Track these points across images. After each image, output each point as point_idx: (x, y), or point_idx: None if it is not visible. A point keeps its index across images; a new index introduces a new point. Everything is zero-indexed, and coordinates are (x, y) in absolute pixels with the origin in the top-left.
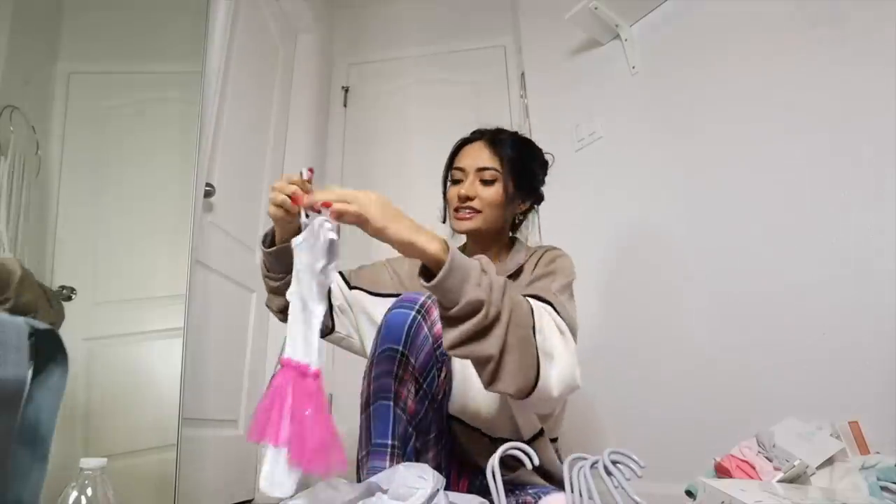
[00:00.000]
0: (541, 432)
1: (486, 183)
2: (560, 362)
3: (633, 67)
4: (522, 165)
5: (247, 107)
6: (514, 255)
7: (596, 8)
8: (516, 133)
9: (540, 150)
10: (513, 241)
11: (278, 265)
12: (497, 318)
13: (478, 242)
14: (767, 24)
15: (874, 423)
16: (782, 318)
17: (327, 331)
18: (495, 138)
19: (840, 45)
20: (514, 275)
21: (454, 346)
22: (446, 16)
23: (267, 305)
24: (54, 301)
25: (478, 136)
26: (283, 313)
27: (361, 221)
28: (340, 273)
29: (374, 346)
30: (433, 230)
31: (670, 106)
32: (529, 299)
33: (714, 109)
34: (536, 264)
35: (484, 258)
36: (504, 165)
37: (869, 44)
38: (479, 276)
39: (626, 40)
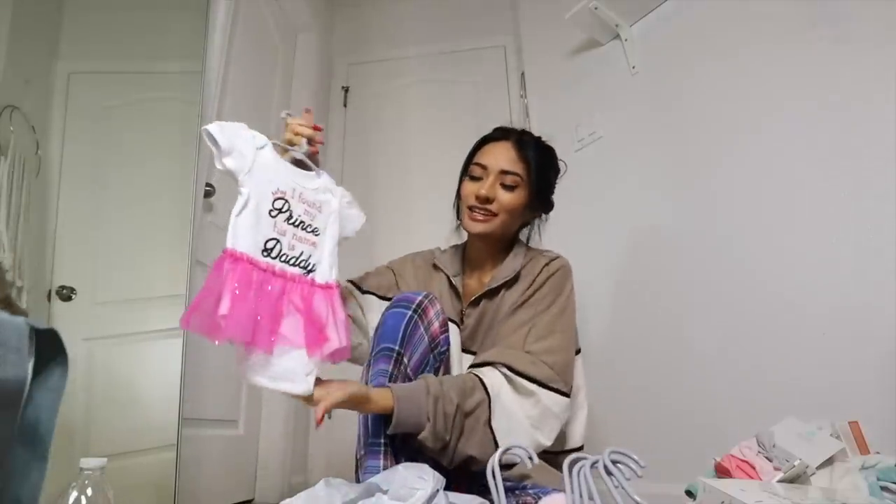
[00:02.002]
0: None
1: (506, 187)
2: (522, 434)
3: (633, 67)
4: (543, 173)
5: (247, 107)
6: (512, 260)
7: (596, 8)
8: (539, 138)
9: (556, 157)
10: (512, 243)
11: None
12: (445, 445)
13: (482, 243)
14: (767, 23)
15: (874, 423)
16: (782, 317)
17: None
18: (521, 140)
19: (840, 44)
20: (511, 282)
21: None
22: (446, 16)
23: None
24: (16, 307)
25: (503, 134)
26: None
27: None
28: (351, 281)
29: (372, 346)
30: (431, 234)
31: (670, 106)
32: (488, 376)
33: (714, 109)
34: (535, 278)
35: (433, 383)
36: (528, 172)
37: (869, 43)
38: (425, 423)
39: (626, 40)
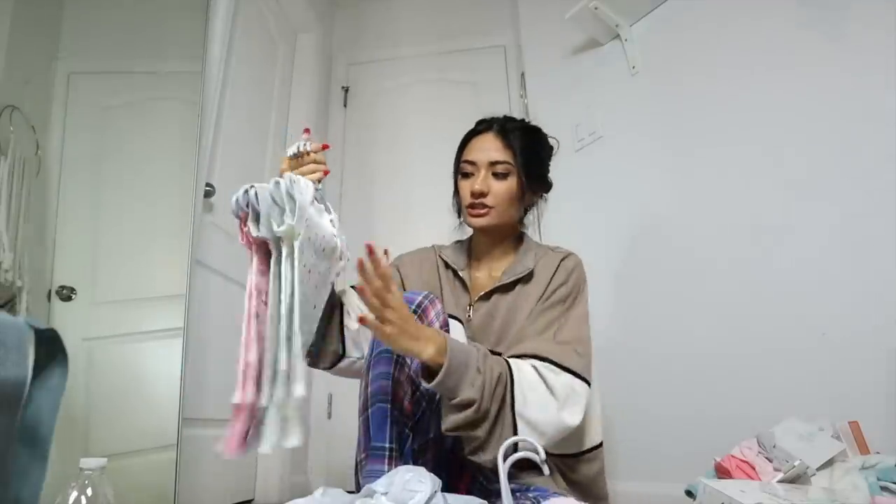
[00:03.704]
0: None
1: (498, 176)
2: (548, 413)
3: (633, 67)
4: (533, 155)
5: (247, 106)
6: (523, 258)
7: (596, 8)
8: (523, 121)
9: (545, 135)
10: (520, 237)
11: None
12: (486, 413)
13: (488, 237)
14: (767, 23)
15: (874, 423)
16: (783, 318)
17: (336, 359)
18: (505, 128)
19: (840, 44)
20: (527, 278)
21: (449, 431)
22: (446, 15)
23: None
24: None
25: (486, 126)
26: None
27: (376, 331)
28: (355, 287)
29: (371, 349)
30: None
31: (670, 106)
32: (522, 366)
33: (714, 109)
34: (554, 274)
35: (482, 349)
36: (516, 157)
37: (869, 44)
38: (474, 376)
39: (626, 40)
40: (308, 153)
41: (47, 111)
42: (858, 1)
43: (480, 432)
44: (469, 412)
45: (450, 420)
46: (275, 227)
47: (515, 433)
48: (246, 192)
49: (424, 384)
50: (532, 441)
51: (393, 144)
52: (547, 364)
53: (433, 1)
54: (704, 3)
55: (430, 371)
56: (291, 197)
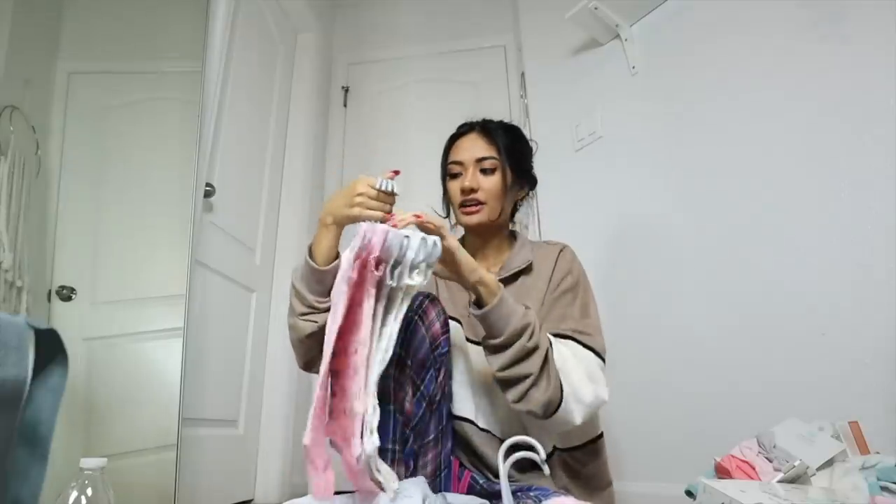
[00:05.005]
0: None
1: (486, 172)
2: (584, 398)
3: (633, 67)
4: (515, 150)
5: (247, 107)
6: (520, 251)
7: (596, 8)
8: (503, 121)
9: (523, 133)
10: (513, 234)
11: (322, 287)
12: (537, 345)
13: (480, 236)
14: (768, 23)
15: (874, 423)
16: (782, 317)
17: None
18: (487, 127)
19: (841, 44)
20: (525, 271)
21: (503, 369)
22: (446, 15)
23: (296, 336)
24: None
25: (469, 128)
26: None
27: (442, 234)
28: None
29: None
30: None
31: (670, 106)
32: (555, 341)
33: (714, 109)
34: (556, 265)
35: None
36: (500, 152)
37: (869, 43)
38: (524, 311)
39: (626, 40)
40: (390, 194)
41: (47, 111)
42: (858, 2)
43: (532, 367)
44: (523, 339)
45: (501, 358)
46: (405, 281)
47: (560, 388)
48: (407, 237)
49: (474, 311)
50: (571, 408)
51: (393, 144)
52: (574, 343)
53: (433, 1)
54: (704, 4)
55: (481, 300)
56: (429, 257)
